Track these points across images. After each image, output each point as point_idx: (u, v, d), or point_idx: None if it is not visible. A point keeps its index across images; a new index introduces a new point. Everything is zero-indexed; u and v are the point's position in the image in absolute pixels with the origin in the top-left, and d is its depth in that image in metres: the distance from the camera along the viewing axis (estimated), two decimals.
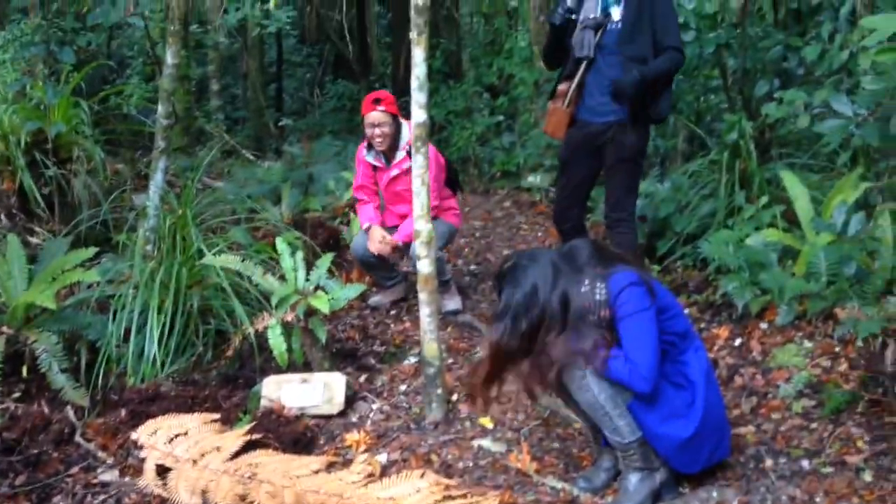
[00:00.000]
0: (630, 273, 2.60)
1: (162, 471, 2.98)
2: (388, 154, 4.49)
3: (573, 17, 4.04)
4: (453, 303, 4.60)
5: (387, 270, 4.70)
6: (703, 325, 3.92)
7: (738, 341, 3.66)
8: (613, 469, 2.84)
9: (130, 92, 7.32)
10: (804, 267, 3.63)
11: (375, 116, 4.36)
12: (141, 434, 3.16)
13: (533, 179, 7.68)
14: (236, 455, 3.02)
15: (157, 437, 3.13)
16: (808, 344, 3.43)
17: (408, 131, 4.35)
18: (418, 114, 3.45)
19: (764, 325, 3.66)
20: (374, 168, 4.59)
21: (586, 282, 2.62)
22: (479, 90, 10.23)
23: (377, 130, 4.38)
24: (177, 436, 3.12)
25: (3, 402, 3.42)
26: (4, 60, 6.43)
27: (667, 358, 2.65)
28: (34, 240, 5.01)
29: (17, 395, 3.54)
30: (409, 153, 4.27)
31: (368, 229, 4.51)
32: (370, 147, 4.53)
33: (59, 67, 6.39)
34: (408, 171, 4.29)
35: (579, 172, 4.19)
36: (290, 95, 14.98)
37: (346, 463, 3.08)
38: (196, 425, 3.18)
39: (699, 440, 2.62)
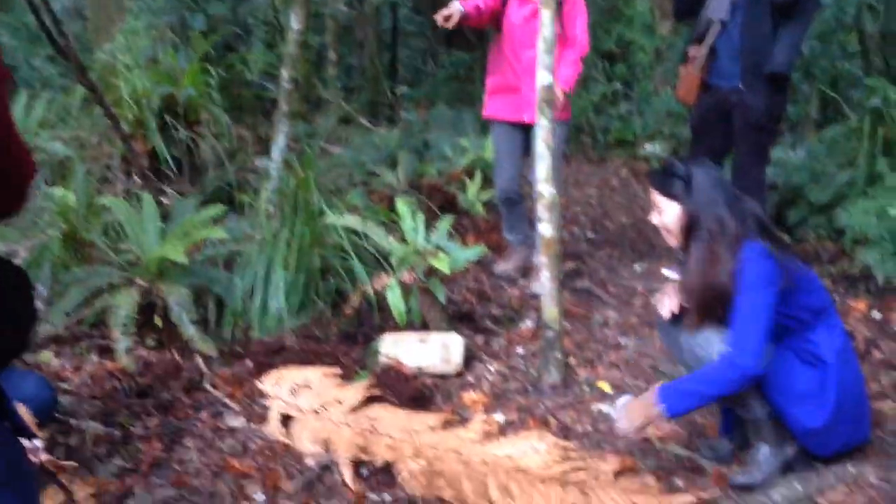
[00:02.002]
0: (759, 245, 2.41)
1: (285, 420, 3.06)
2: None
3: None
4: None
5: (521, 216, 4.52)
6: (837, 297, 3.72)
7: (877, 314, 3.45)
8: (739, 439, 2.73)
9: (254, 59, 7.49)
10: None
11: None
12: (266, 384, 3.26)
13: (651, 148, 7.49)
14: (356, 408, 3.08)
15: (280, 387, 3.22)
16: None
17: None
18: (544, 76, 3.38)
19: None
20: None
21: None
22: (596, 57, 10.01)
23: None
24: (299, 387, 3.20)
25: (137, 350, 3.58)
26: (137, 28, 6.68)
27: (792, 335, 2.49)
28: (164, 199, 5.22)
29: (150, 343, 3.70)
30: None
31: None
32: None
33: (188, 35, 6.61)
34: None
35: (710, 139, 4.08)
36: (405, 65, 15.06)
37: (464, 421, 3.07)
38: (317, 378, 3.26)
39: (832, 427, 2.46)
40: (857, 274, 3.81)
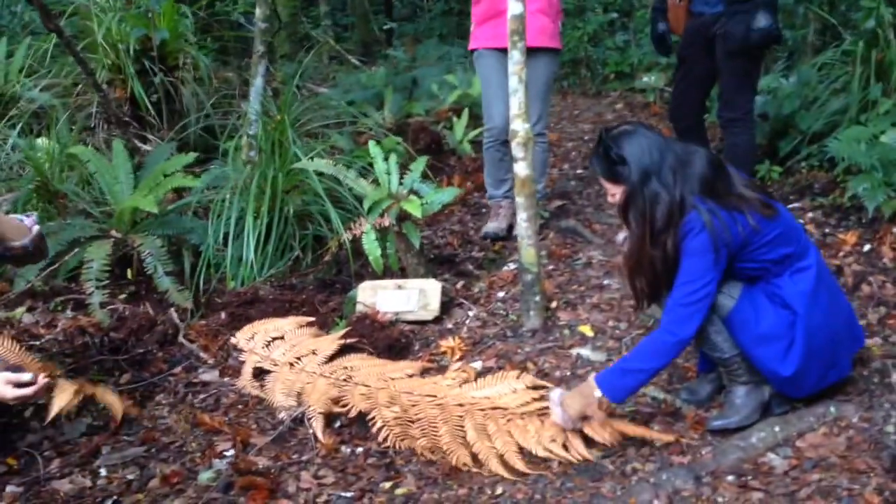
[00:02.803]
0: (696, 218, 2.30)
1: (259, 373, 3.01)
2: None
3: None
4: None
5: (509, 167, 4.22)
6: (828, 230, 3.61)
7: (867, 247, 3.34)
8: (719, 381, 2.66)
9: None
10: None
11: None
12: (240, 338, 3.19)
13: (647, 79, 7.27)
14: (332, 358, 3.02)
15: (255, 341, 3.15)
16: None
17: None
18: (515, 6, 3.22)
19: None
20: None
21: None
22: None
23: None
24: (274, 339, 3.14)
25: (112, 304, 3.52)
26: None
27: (760, 280, 2.42)
28: (147, 147, 5.10)
29: (124, 296, 3.64)
30: None
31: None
32: None
33: None
34: None
35: (696, 68, 3.94)
36: (400, 0, 14.69)
37: (441, 369, 3.02)
38: (292, 329, 3.19)
39: (802, 373, 2.38)
40: (847, 205, 3.68)
